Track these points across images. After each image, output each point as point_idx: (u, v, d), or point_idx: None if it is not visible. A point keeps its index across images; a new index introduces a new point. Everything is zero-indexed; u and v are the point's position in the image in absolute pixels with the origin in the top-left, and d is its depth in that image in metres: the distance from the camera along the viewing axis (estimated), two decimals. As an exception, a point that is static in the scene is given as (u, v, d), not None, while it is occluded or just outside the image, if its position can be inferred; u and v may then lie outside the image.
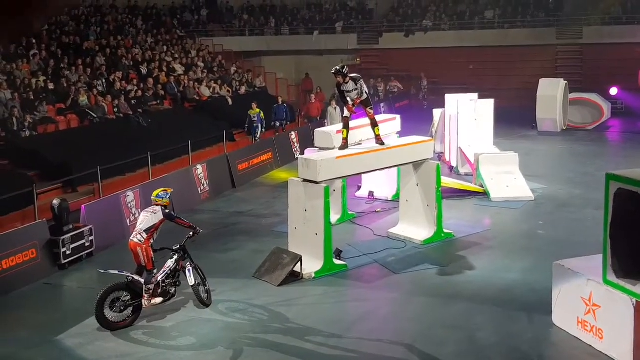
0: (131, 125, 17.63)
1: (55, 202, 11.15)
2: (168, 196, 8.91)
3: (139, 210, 12.73)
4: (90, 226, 11.32)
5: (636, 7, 29.07)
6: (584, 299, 7.67)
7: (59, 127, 16.56)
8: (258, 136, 19.17)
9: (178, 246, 8.85)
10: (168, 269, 8.76)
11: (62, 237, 10.69)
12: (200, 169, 15.25)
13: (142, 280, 8.53)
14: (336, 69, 10.64)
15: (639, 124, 22.93)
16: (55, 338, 8.31)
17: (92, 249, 11.32)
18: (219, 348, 7.93)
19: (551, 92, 22.40)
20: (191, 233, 8.89)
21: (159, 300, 8.62)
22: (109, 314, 8.32)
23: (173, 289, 8.79)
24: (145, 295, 8.50)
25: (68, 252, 10.77)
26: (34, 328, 8.71)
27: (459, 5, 32.37)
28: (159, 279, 8.63)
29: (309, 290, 9.60)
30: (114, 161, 14.91)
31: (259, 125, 19.08)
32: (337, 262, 10.29)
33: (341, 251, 10.63)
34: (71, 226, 11.06)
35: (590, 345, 7.59)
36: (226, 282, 9.92)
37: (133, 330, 8.45)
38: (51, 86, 17.79)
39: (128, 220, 12.53)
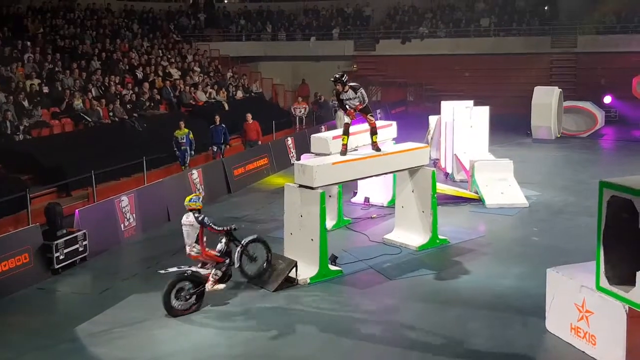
0: (126, 129, 17.61)
1: (49, 206, 11.11)
2: (200, 200, 9.29)
3: (134, 215, 12.75)
4: (84, 231, 11.28)
5: (630, 16, 29.27)
6: (577, 305, 7.69)
7: (53, 131, 16.53)
8: (187, 162, 16.43)
9: (227, 228, 9.26)
10: (219, 252, 9.21)
11: (56, 242, 10.64)
12: (195, 174, 15.23)
13: (202, 272, 9.00)
14: (335, 77, 10.65)
15: (633, 132, 23.06)
16: (48, 343, 8.27)
17: (86, 253, 11.27)
18: (214, 354, 7.90)
19: (546, 100, 22.51)
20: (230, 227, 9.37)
21: (221, 286, 9.15)
22: (176, 303, 8.79)
23: (229, 271, 9.27)
24: (211, 279, 9.00)
25: (61, 257, 10.72)
26: (26, 333, 8.65)
27: (455, 12, 32.52)
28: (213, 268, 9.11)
29: (304, 295, 9.59)
30: (109, 165, 14.90)
31: (188, 148, 16.34)
32: (332, 267, 10.28)
33: (336, 257, 10.63)
34: (65, 231, 11.01)
35: (583, 352, 7.60)
36: (220, 288, 9.89)
37: (127, 335, 8.41)
38: (46, 90, 17.77)
39: (122, 225, 12.50)
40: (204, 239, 9.08)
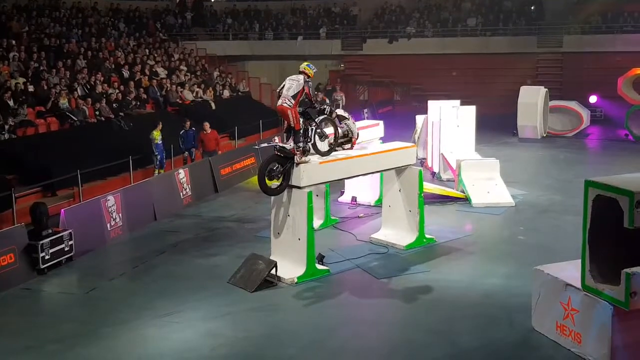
0: (112, 128, 17.50)
1: (34, 205, 11.02)
2: (314, 70, 10.06)
3: (120, 214, 12.69)
4: (70, 230, 11.20)
5: (615, 16, 29.54)
6: (563, 303, 7.75)
7: (38, 130, 16.39)
8: (164, 165, 16.12)
9: (302, 109, 9.98)
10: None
11: (41, 242, 10.55)
12: (182, 174, 15.16)
13: (287, 147, 9.78)
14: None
15: (618, 131, 23.28)
16: (34, 344, 8.19)
17: (72, 253, 11.19)
18: (200, 354, 7.87)
19: (532, 99, 22.68)
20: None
21: (307, 158, 9.95)
22: (269, 183, 9.83)
23: (308, 146, 10.05)
24: (297, 153, 9.79)
25: (47, 257, 10.64)
26: (12, 334, 8.58)
27: (442, 12, 32.66)
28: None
29: (291, 295, 9.58)
30: (95, 165, 14.80)
31: (162, 151, 15.99)
32: (319, 267, 10.28)
33: (324, 256, 10.63)
34: (50, 230, 10.93)
35: (569, 350, 7.67)
36: (208, 287, 9.87)
37: (113, 335, 8.37)
38: (31, 88, 17.62)
39: (108, 225, 12.43)
40: (299, 102, 9.84)
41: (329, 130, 10.66)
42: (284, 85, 10.00)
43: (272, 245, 10.49)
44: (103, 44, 22.90)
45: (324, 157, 10.62)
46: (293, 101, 9.76)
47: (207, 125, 17.13)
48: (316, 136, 10.20)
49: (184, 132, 16.89)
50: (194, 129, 17.14)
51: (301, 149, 9.86)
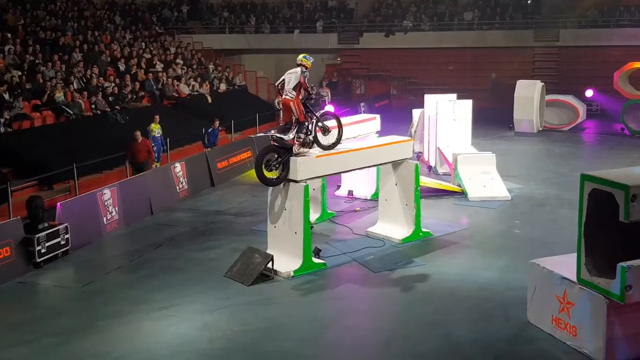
0: (108, 122, 17.46)
1: (30, 199, 11.00)
2: (311, 61, 10.17)
3: (116, 208, 12.67)
4: (66, 224, 11.19)
5: (612, 10, 29.55)
6: (558, 297, 7.78)
7: (34, 123, 16.33)
8: (160, 159, 15.93)
9: (314, 93, 10.28)
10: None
11: (37, 235, 10.54)
12: (178, 167, 15.14)
13: (285, 138, 9.82)
14: None
15: (614, 125, 23.32)
16: (30, 338, 8.19)
17: (68, 247, 11.18)
18: (197, 347, 7.89)
19: (528, 93, 22.69)
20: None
21: (305, 149, 10.02)
22: (267, 174, 9.79)
23: (309, 139, 10.09)
24: (297, 143, 9.84)
25: (43, 251, 10.63)
26: (8, 328, 8.58)
27: (439, 6, 32.62)
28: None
29: (287, 288, 9.60)
30: (91, 159, 14.77)
31: (161, 144, 16.07)
32: (316, 260, 10.30)
33: (320, 250, 10.64)
34: (46, 224, 10.91)
35: (565, 343, 7.70)
36: (204, 281, 9.88)
37: (110, 329, 8.38)
38: (27, 82, 17.54)
39: (105, 219, 12.42)
40: (302, 93, 9.96)
41: (332, 123, 10.65)
42: (283, 79, 10.04)
43: (269, 239, 10.50)
44: (99, 37, 22.81)
45: (321, 151, 10.62)
46: (294, 92, 9.88)
47: (138, 133, 14.94)
48: (316, 128, 10.21)
49: (211, 130, 17.15)
50: (220, 128, 17.63)
51: (301, 139, 9.88)
